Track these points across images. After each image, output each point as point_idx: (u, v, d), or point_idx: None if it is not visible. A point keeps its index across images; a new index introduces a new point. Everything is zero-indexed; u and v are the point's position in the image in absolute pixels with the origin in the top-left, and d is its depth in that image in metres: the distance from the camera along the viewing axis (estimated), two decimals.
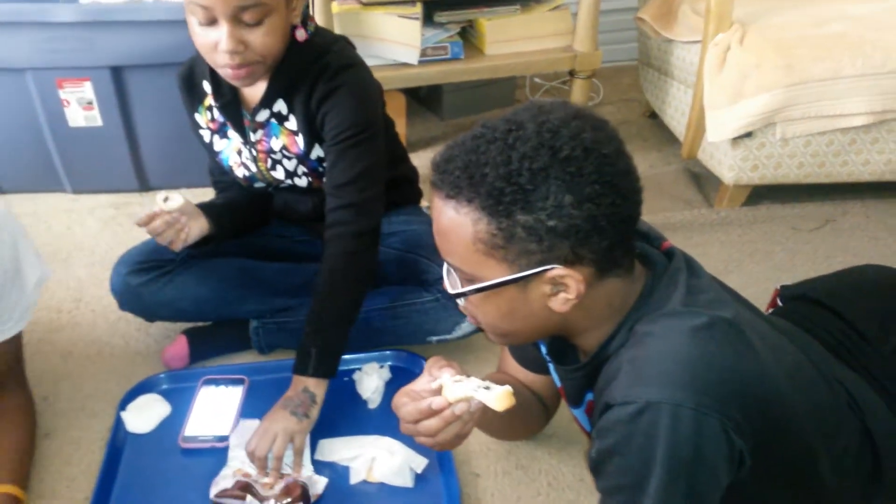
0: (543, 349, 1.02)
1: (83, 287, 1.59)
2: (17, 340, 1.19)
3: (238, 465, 1.17)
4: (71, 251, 1.72)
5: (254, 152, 1.28)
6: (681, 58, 1.97)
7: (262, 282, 1.42)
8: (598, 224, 0.73)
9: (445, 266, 0.82)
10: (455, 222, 0.75)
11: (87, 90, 1.80)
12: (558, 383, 1.01)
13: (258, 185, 1.36)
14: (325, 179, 1.24)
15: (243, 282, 1.40)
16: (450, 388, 0.84)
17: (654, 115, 2.28)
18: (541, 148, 0.72)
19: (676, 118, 2.03)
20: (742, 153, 1.76)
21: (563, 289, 0.76)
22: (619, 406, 0.72)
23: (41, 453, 1.22)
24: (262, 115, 1.23)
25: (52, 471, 1.19)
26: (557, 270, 0.74)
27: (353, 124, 1.18)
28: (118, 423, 1.25)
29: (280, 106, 1.22)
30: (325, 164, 1.25)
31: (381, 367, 1.36)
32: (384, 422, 1.25)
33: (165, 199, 1.20)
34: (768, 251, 1.73)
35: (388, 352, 1.39)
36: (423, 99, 2.46)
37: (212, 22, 1.06)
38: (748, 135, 1.73)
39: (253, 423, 1.19)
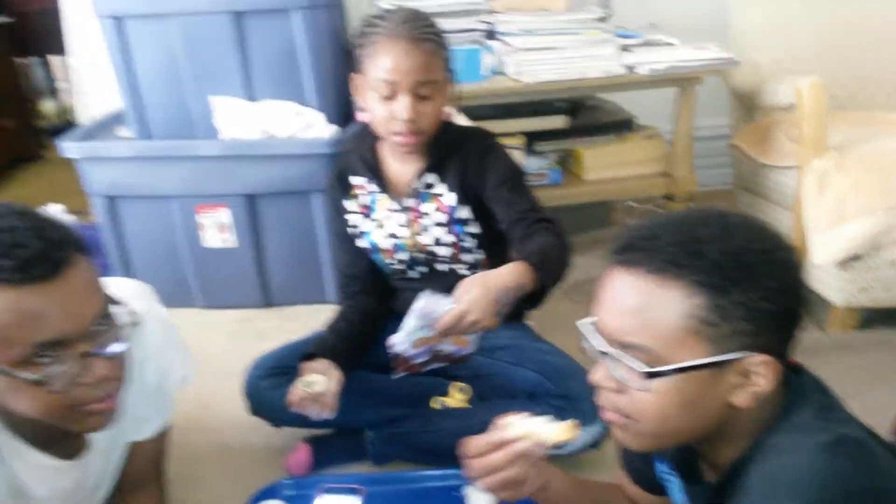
0: (662, 467, 1.03)
1: (212, 396, 1.70)
2: (161, 439, 1.28)
3: (415, 338, 1.30)
4: (200, 362, 1.83)
5: (408, 216, 1.45)
6: (778, 182, 2.02)
7: (375, 392, 1.49)
8: (793, 315, 0.77)
9: (613, 352, 0.79)
10: (658, 297, 0.75)
11: (223, 214, 2.00)
12: (679, 503, 1.01)
13: (399, 258, 1.49)
14: (505, 218, 1.41)
15: (358, 391, 1.46)
16: (516, 424, 0.90)
17: None
18: (762, 233, 0.77)
19: None
20: (850, 276, 1.76)
21: (749, 381, 0.76)
22: None
23: None
24: (418, 184, 1.44)
25: None
26: (761, 357, 0.75)
27: (515, 167, 1.47)
28: None
29: (431, 177, 1.45)
30: (467, 229, 1.44)
31: None
32: None
33: (309, 385, 1.31)
34: (886, 378, 1.67)
35: None
36: None
37: (392, 96, 1.33)
38: (856, 257, 1.73)
39: (443, 303, 1.26)
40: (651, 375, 0.77)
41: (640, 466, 1.08)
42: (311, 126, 1.94)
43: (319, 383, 1.31)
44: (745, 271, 0.74)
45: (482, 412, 1.44)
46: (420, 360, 1.37)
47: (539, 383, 1.41)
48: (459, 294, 1.23)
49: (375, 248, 1.51)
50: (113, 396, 0.98)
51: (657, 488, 1.06)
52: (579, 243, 2.41)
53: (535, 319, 1.66)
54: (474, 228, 1.46)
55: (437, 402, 1.51)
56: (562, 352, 1.48)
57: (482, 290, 1.22)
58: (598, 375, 0.83)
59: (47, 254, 0.86)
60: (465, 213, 1.45)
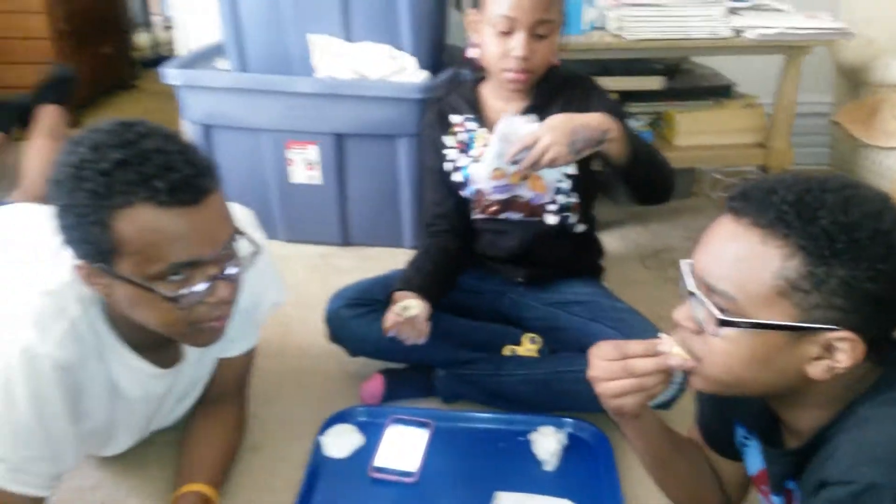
0: (741, 431, 1.02)
1: (292, 324, 1.77)
2: (250, 355, 1.35)
3: (495, 165, 1.38)
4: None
5: None
6: (877, 162, 1.94)
7: (450, 334, 1.52)
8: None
9: (699, 293, 0.80)
10: (757, 251, 0.75)
11: (311, 152, 2.05)
12: (755, 468, 0.99)
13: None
14: None
15: (435, 331, 1.49)
16: (670, 340, 0.86)
17: None
18: (886, 212, 0.74)
19: None
20: None
21: (831, 356, 0.75)
22: (838, 485, 0.71)
23: (247, 465, 1.34)
24: None
25: (255, 482, 1.32)
26: (846, 334, 0.74)
27: (619, 107, 1.51)
28: (317, 447, 1.36)
29: (532, 117, 1.44)
30: (563, 170, 1.46)
31: (558, 431, 1.40)
32: (560, 485, 1.28)
33: (405, 309, 1.33)
34: None
35: (567, 419, 1.42)
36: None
37: (509, 32, 1.36)
38: None
39: (523, 127, 1.33)
40: (724, 323, 0.77)
41: (716, 428, 1.07)
42: (404, 70, 1.96)
43: (414, 307, 1.33)
44: (854, 247, 0.72)
45: (552, 363, 1.46)
46: (497, 197, 1.48)
47: (615, 339, 1.41)
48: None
49: (469, 181, 1.52)
50: (226, 316, 1.05)
51: (730, 452, 1.06)
52: (658, 212, 2.38)
53: (609, 283, 1.66)
54: (571, 170, 1.46)
55: (508, 350, 1.54)
56: (638, 312, 1.48)
57: (563, 120, 1.27)
58: (680, 314, 0.84)
59: (194, 180, 0.92)
60: None
